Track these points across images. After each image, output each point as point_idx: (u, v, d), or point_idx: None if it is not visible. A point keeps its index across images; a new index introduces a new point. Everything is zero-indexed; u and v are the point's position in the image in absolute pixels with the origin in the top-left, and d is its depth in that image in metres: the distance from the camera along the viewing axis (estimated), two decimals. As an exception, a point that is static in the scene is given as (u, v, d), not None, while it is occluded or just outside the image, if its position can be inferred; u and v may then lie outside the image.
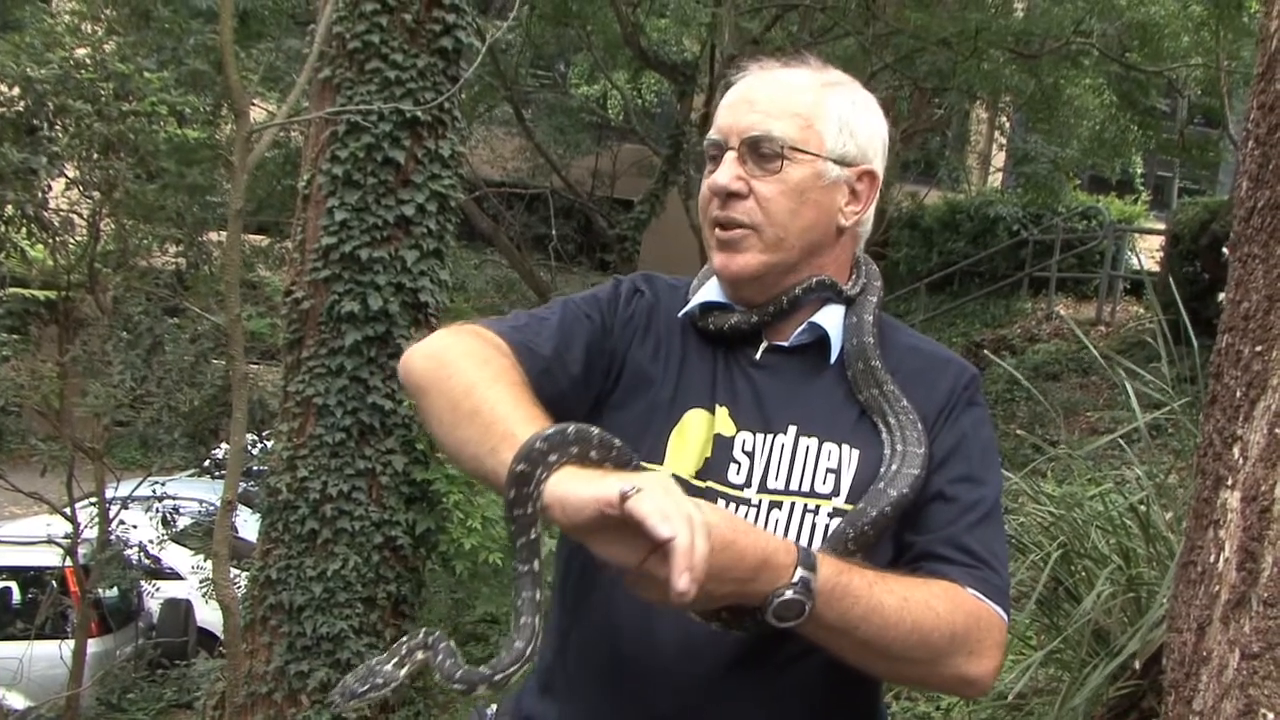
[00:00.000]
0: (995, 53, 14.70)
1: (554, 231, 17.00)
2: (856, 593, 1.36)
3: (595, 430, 1.28)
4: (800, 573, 1.32)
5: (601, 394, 1.61)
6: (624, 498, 1.16)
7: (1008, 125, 20.06)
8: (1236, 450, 1.38)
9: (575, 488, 1.21)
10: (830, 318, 1.63)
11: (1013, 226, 16.55)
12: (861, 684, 1.59)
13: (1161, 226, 15.50)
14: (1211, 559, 1.41)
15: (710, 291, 1.65)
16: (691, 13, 15.35)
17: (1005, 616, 1.48)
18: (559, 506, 1.22)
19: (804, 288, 1.62)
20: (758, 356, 1.63)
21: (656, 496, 1.17)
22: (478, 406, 1.38)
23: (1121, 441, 3.85)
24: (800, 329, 1.62)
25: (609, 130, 20.17)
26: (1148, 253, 16.92)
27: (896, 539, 1.53)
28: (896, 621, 1.37)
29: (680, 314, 1.66)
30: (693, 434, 1.56)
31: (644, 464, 1.42)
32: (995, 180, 21.57)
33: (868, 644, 1.39)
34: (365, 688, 1.37)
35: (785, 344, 1.63)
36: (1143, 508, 3.20)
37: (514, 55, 16.60)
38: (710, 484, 1.53)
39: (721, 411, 1.58)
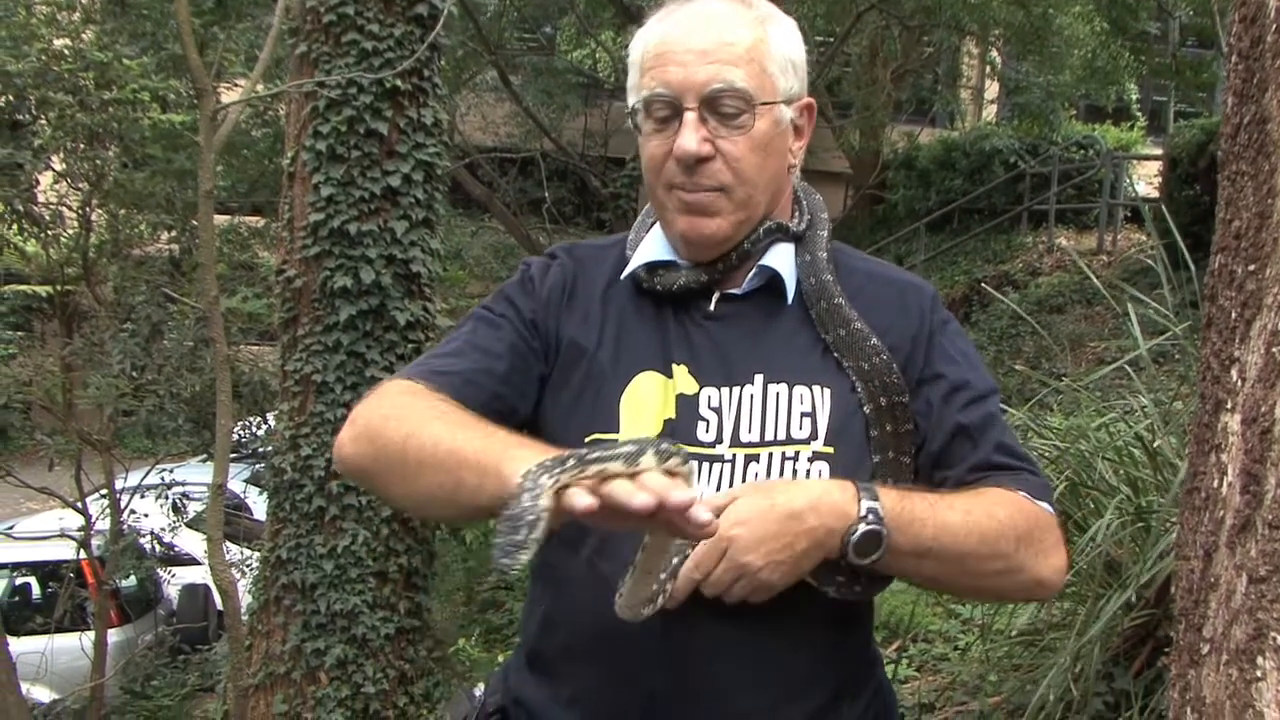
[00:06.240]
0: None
1: (548, 194, 16.93)
2: (923, 515, 1.38)
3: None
4: (866, 504, 1.34)
5: (544, 378, 1.57)
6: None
7: (998, 60, 19.89)
8: (1235, 372, 1.35)
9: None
10: (780, 257, 1.58)
11: (1009, 159, 16.45)
12: (852, 639, 1.57)
13: (1159, 152, 15.40)
14: (1215, 484, 1.38)
15: (653, 249, 1.60)
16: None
17: (1053, 511, 1.50)
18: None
19: (752, 240, 1.57)
20: (711, 308, 1.57)
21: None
22: (424, 453, 1.37)
23: (1129, 369, 3.81)
24: (751, 274, 1.58)
25: (598, 89, 20.04)
26: (1146, 179, 16.84)
27: (926, 480, 1.52)
28: (965, 536, 1.39)
29: (623, 275, 1.60)
30: (647, 398, 1.51)
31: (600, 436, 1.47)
32: (989, 114, 21.43)
33: (943, 564, 1.41)
34: None
35: (738, 291, 1.58)
36: (1149, 435, 3.17)
37: (496, 19, 16.49)
38: (678, 446, 1.50)
39: (680, 370, 1.53)
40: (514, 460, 1.26)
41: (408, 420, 1.41)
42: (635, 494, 1.15)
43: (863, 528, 1.33)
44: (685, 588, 1.35)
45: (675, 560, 1.35)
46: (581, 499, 1.16)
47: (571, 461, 1.20)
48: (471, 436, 1.34)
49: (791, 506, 1.32)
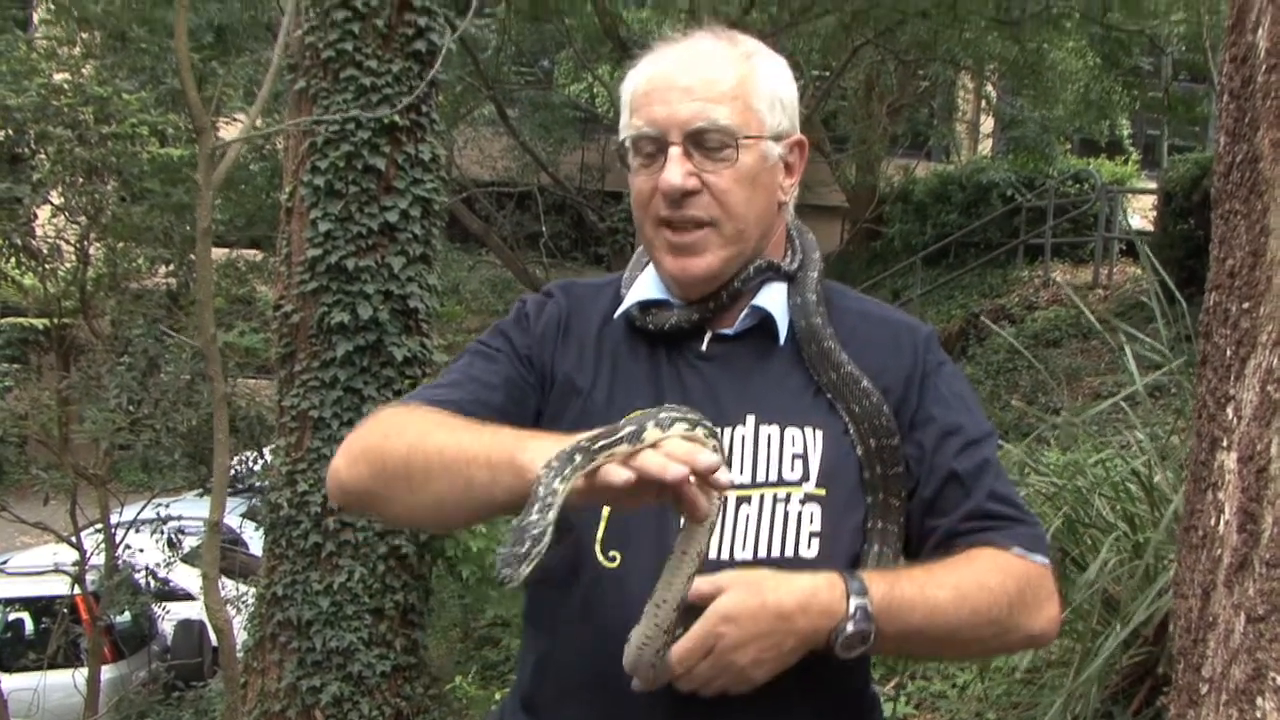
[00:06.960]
0: (977, 19, 14.64)
1: (545, 229, 16.96)
2: (912, 600, 1.38)
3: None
4: (854, 602, 1.34)
5: (539, 412, 1.57)
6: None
7: (994, 95, 20.00)
8: (1230, 410, 1.35)
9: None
10: (772, 298, 1.58)
11: (1005, 192, 16.48)
12: (849, 682, 1.55)
13: (1153, 186, 15.44)
14: (1212, 522, 1.38)
15: (646, 288, 1.60)
16: (671, -1, 15.33)
17: (1048, 562, 1.49)
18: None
19: (743, 279, 1.56)
20: (703, 348, 1.57)
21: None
22: (430, 459, 1.36)
23: (1125, 405, 3.81)
24: (743, 314, 1.57)
25: (595, 124, 20.10)
26: (1141, 213, 16.88)
27: (918, 527, 1.52)
28: (955, 612, 1.39)
29: (616, 315, 1.61)
30: None
31: None
32: (985, 148, 21.52)
33: (933, 641, 1.43)
34: None
35: (730, 331, 1.58)
36: (1145, 470, 3.17)
37: (494, 55, 16.56)
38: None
39: None
40: (527, 450, 1.26)
41: (407, 434, 1.40)
42: (668, 466, 1.17)
43: (850, 626, 1.34)
44: (663, 679, 1.34)
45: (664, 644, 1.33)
46: (619, 474, 1.18)
47: (579, 458, 1.20)
48: (478, 436, 1.34)
49: (782, 607, 1.32)
